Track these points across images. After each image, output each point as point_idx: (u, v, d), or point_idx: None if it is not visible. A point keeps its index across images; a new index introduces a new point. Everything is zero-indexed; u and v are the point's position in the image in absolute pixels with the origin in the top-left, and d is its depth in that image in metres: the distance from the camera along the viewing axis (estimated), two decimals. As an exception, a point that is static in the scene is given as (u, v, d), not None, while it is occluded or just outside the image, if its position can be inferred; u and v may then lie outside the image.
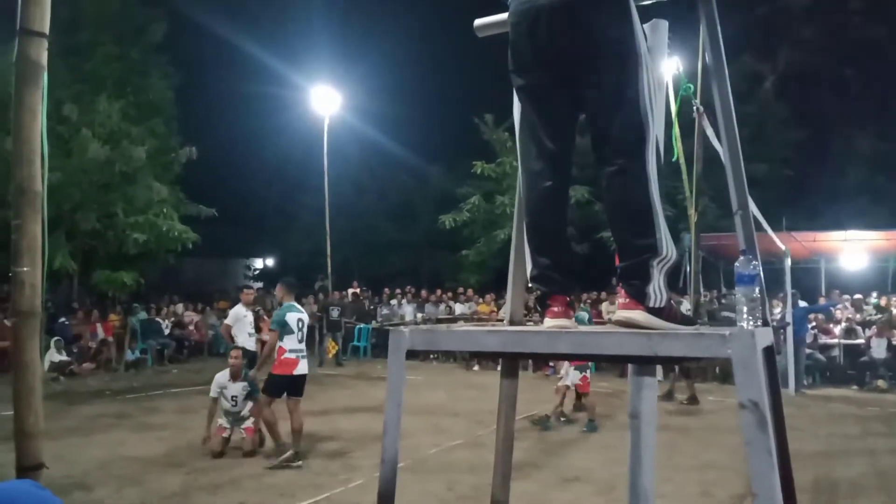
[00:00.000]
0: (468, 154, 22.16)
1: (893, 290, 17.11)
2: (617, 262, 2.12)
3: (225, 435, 7.23)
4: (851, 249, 17.18)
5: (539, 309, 2.23)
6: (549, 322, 2.11)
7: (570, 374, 9.00)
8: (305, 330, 7.21)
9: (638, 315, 1.96)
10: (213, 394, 7.40)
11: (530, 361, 13.58)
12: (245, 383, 7.41)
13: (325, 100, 21.22)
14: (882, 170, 23.76)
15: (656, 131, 2.08)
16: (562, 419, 9.05)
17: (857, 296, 15.87)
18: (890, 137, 24.04)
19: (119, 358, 15.18)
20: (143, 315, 16.78)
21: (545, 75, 2.13)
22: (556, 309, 2.12)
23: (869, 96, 24.58)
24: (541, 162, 2.18)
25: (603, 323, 2.28)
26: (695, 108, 4.49)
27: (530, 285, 2.28)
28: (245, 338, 8.71)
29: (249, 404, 7.41)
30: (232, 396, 7.33)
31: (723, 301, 15.72)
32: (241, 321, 8.83)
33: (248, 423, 7.34)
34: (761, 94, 23.61)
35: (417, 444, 7.66)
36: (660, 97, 2.18)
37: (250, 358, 8.36)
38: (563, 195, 2.24)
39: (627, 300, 2.02)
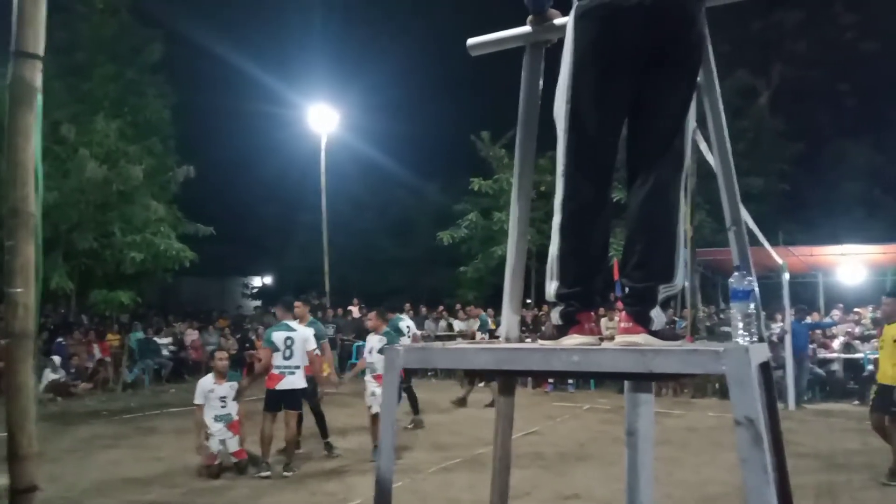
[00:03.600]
0: (465, 171, 22.24)
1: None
2: (616, 276, 2.12)
3: (217, 462, 7.22)
4: (849, 263, 17.20)
5: (562, 324, 2.13)
6: (577, 339, 2.05)
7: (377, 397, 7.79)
8: (296, 347, 7.32)
9: (640, 339, 1.96)
10: (198, 400, 7.43)
11: (530, 378, 13.55)
12: (233, 383, 7.51)
13: (322, 118, 21.34)
14: (878, 183, 23.90)
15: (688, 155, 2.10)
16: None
17: (857, 309, 15.86)
18: (886, 150, 24.18)
19: (116, 378, 15.11)
20: (140, 335, 16.73)
21: (625, 78, 2.03)
22: (586, 326, 2.08)
23: (864, 109, 24.75)
24: (597, 181, 2.12)
25: (601, 339, 2.28)
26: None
27: (558, 300, 2.15)
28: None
29: (236, 405, 7.45)
30: (220, 398, 7.39)
31: (721, 316, 15.70)
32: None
33: (236, 445, 7.35)
34: (756, 108, 23.74)
35: (416, 462, 7.61)
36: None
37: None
38: (609, 214, 2.17)
39: (630, 324, 2.01)
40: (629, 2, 1.96)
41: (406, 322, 11.27)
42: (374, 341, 8.13)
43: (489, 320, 17.50)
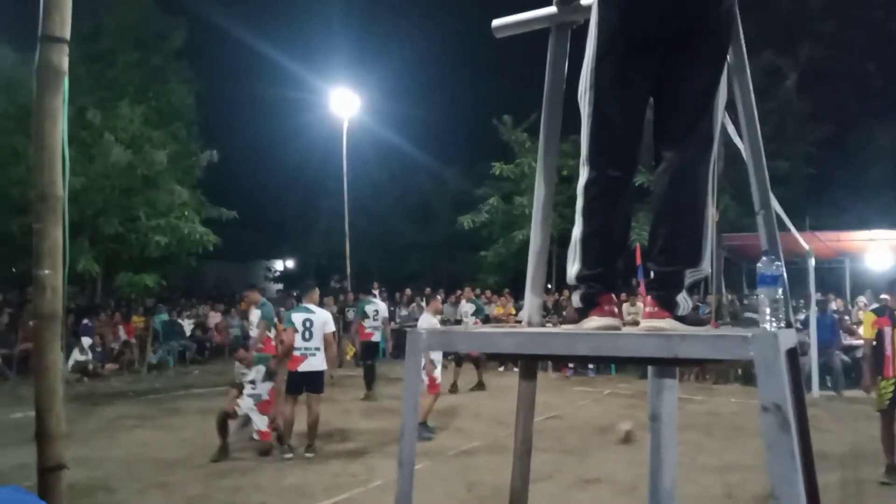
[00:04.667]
0: (487, 155, 22.16)
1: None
2: (639, 261, 2.10)
3: (234, 411, 7.35)
4: (876, 249, 16.90)
5: (582, 307, 2.10)
6: (597, 321, 2.01)
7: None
8: (315, 329, 7.47)
9: (666, 324, 1.93)
10: (237, 379, 7.61)
11: (550, 363, 13.54)
12: (259, 367, 7.57)
13: (344, 102, 21.34)
14: (907, 166, 23.43)
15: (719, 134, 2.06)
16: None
17: (884, 295, 15.58)
18: (914, 133, 23.68)
19: (142, 359, 15.34)
20: (164, 317, 16.96)
21: (651, 60, 1.99)
22: (606, 308, 2.04)
23: (892, 90, 24.20)
24: (620, 166, 2.08)
25: (624, 324, 2.27)
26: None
27: (579, 282, 2.12)
28: None
29: (268, 385, 7.55)
30: (250, 381, 7.50)
31: (745, 302, 15.55)
32: None
33: (263, 426, 7.45)
34: (783, 90, 23.31)
35: (438, 445, 7.66)
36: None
37: None
38: (631, 198, 2.15)
39: (655, 308, 1.98)
40: None
41: (374, 305, 11.56)
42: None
43: (484, 307, 17.14)
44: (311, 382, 7.44)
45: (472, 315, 15.84)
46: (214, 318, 18.77)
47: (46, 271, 2.46)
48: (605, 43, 2.04)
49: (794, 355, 2.28)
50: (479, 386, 12.21)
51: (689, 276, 1.99)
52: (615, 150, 2.08)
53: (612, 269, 2.09)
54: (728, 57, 2.30)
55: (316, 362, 7.45)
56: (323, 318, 7.62)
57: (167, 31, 18.99)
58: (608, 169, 2.08)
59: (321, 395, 7.58)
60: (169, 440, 8.09)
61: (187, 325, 17.38)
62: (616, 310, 2.08)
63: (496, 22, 2.65)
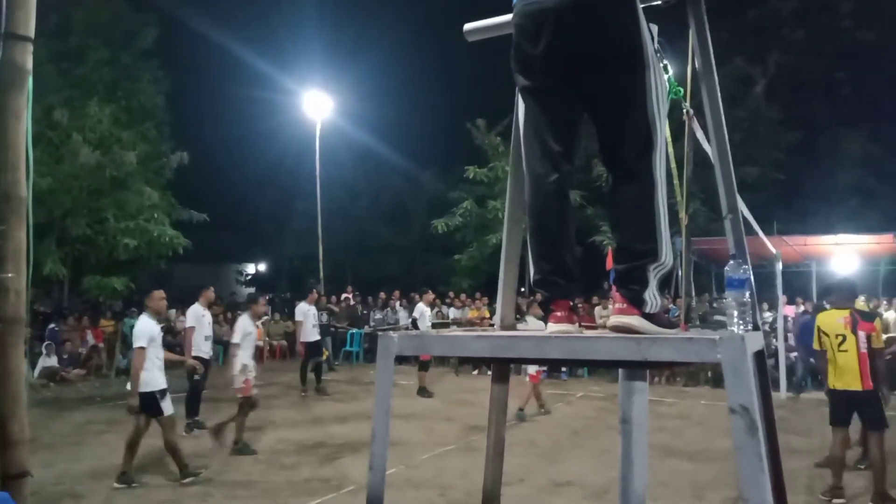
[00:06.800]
0: (460, 158, 22.15)
1: (884, 293, 17.17)
2: (609, 266, 2.12)
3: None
4: (842, 253, 17.25)
5: (543, 313, 2.18)
6: (552, 327, 2.06)
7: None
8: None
9: (634, 320, 1.94)
10: (191, 323, 8.31)
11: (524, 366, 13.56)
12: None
13: (317, 104, 21.22)
14: (873, 172, 23.89)
15: (663, 136, 2.07)
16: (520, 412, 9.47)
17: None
18: (881, 139, 24.21)
19: (110, 364, 15.09)
20: (134, 321, 16.68)
21: (552, 76, 2.08)
22: (559, 314, 2.08)
23: (860, 99, 24.72)
24: (545, 163, 2.13)
25: (595, 327, 2.28)
26: (685, 111, 4.51)
27: (534, 289, 2.20)
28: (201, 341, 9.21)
29: None
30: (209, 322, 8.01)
31: (714, 305, 15.73)
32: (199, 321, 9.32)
33: None
34: (752, 97, 23.67)
35: (410, 449, 7.63)
36: (666, 101, 2.16)
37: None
38: (567, 197, 2.18)
39: (624, 305, 2.00)
40: (531, 7, 2.04)
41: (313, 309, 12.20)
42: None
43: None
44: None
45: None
46: (183, 322, 18.47)
47: (10, 274, 2.41)
48: (512, 60, 2.17)
49: (762, 357, 2.31)
50: (422, 391, 11.86)
51: (654, 272, 2.00)
52: (539, 153, 2.16)
53: (553, 273, 2.13)
54: (696, 62, 2.33)
55: (143, 379, 6.34)
56: (136, 332, 6.49)
57: (138, 29, 18.65)
58: (536, 171, 2.16)
59: (158, 417, 6.46)
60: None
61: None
62: (573, 315, 2.10)
63: (468, 26, 2.66)
